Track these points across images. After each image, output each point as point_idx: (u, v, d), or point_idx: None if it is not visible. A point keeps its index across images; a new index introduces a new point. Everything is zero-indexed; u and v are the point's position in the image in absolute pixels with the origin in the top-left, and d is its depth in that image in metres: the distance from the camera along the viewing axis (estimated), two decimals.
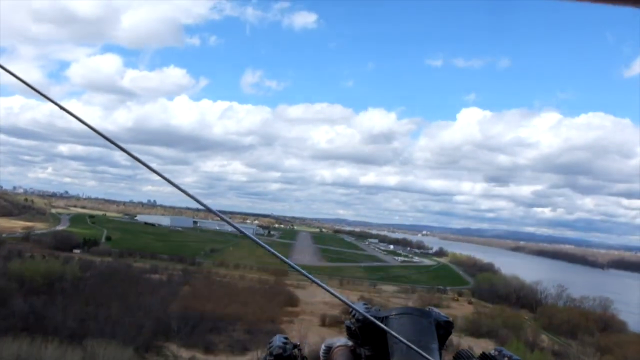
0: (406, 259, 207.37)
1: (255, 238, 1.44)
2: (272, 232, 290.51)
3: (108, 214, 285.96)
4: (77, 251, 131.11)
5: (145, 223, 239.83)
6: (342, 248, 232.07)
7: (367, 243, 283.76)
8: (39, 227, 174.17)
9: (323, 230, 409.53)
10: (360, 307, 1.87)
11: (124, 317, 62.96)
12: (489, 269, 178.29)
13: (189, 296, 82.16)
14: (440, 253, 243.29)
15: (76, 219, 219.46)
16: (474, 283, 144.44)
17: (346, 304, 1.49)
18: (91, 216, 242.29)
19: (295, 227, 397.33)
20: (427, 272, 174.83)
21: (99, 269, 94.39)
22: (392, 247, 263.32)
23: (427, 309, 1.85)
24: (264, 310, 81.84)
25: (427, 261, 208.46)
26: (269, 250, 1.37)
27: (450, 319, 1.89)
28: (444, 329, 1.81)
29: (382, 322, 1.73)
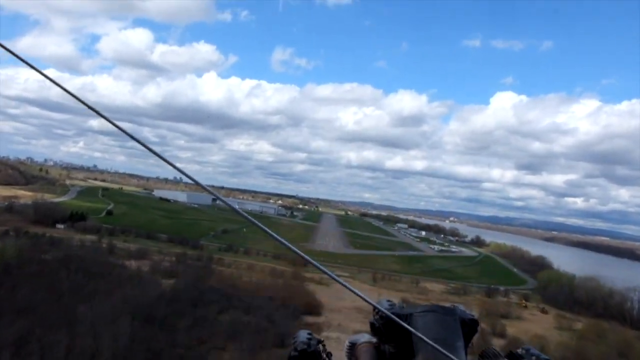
0: (443, 247, 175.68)
1: (248, 216, 1.18)
2: (295, 213, 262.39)
3: (126, 188, 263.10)
4: (60, 226, 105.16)
5: (161, 198, 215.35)
6: (371, 233, 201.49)
7: (396, 228, 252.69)
8: (36, 197, 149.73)
9: (349, 212, 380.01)
10: (384, 304, 1.76)
11: (22, 347, 34.87)
12: (541, 263, 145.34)
13: (161, 301, 53.32)
14: (479, 242, 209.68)
15: (87, 192, 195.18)
16: (536, 283, 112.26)
17: (367, 302, 1.37)
18: (104, 189, 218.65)
19: (319, 209, 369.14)
20: (472, 265, 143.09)
21: (56, 253, 67.00)
22: (424, 233, 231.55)
23: (452, 306, 1.74)
24: (272, 323, 52.83)
25: (467, 251, 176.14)
26: (264, 230, 1.13)
27: (476, 316, 1.75)
28: (469, 327, 1.69)
29: (406, 319, 1.62)
